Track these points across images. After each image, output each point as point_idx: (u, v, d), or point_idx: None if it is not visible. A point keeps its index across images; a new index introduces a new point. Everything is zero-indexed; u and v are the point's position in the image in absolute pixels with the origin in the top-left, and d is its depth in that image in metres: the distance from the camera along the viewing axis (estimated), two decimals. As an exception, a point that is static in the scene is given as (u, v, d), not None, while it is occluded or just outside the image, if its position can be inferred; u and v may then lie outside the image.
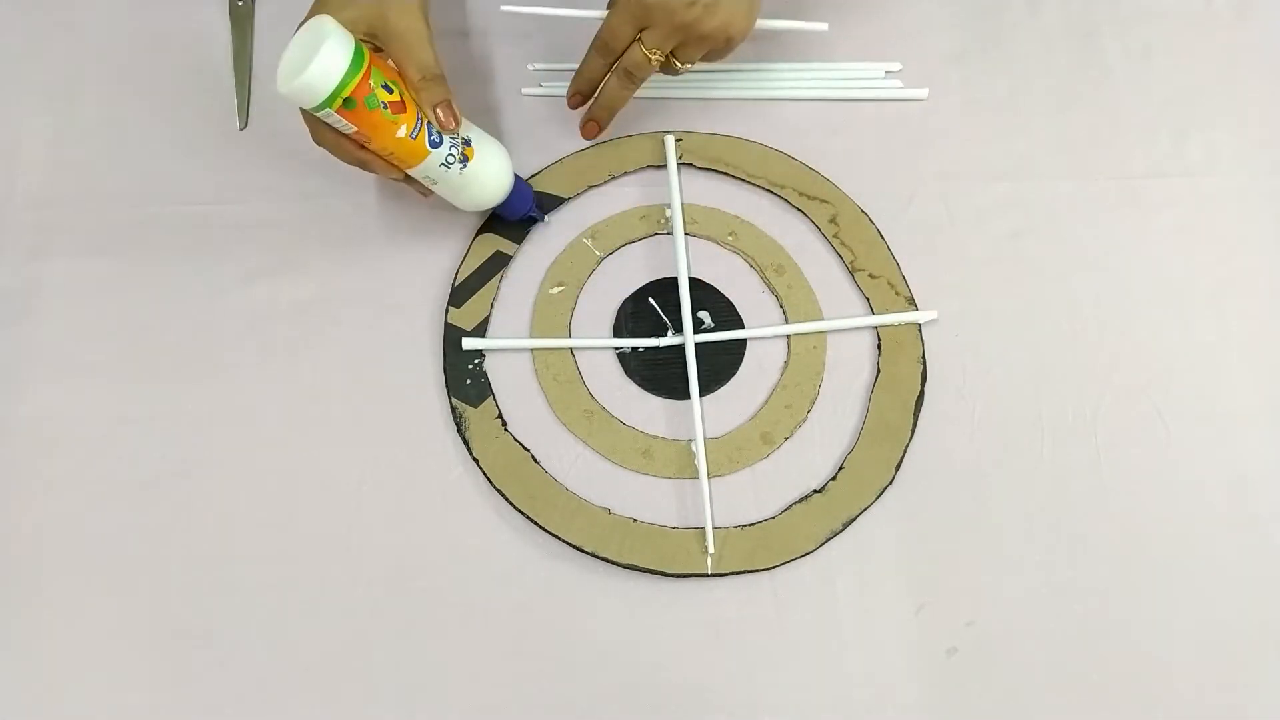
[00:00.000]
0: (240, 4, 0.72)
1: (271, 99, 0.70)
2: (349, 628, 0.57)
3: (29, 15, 0.72)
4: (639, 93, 0.69)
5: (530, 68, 0.72)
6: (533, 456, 0.60)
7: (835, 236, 0.67)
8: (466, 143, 0.59)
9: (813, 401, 0.63)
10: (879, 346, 0.64)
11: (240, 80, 0.70)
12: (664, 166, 0.68)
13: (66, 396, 0.61)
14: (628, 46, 0.62)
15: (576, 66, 0.65)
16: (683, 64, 0.63)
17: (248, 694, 0.55)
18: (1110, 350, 0.64)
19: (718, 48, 0.63)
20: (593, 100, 0.67)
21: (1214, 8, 0.75)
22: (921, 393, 0.63)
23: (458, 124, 0.58)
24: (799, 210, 0.68)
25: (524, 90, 0.71)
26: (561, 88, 0.70)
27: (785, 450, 0.62)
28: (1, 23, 0.72)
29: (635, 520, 0.59)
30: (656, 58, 0.62)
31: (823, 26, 0.67)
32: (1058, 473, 0.61)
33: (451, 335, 0.63)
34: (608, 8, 0.63)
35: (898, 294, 0.65)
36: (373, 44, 0.57)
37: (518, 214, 0.64)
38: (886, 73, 0.72)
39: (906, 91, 0.71)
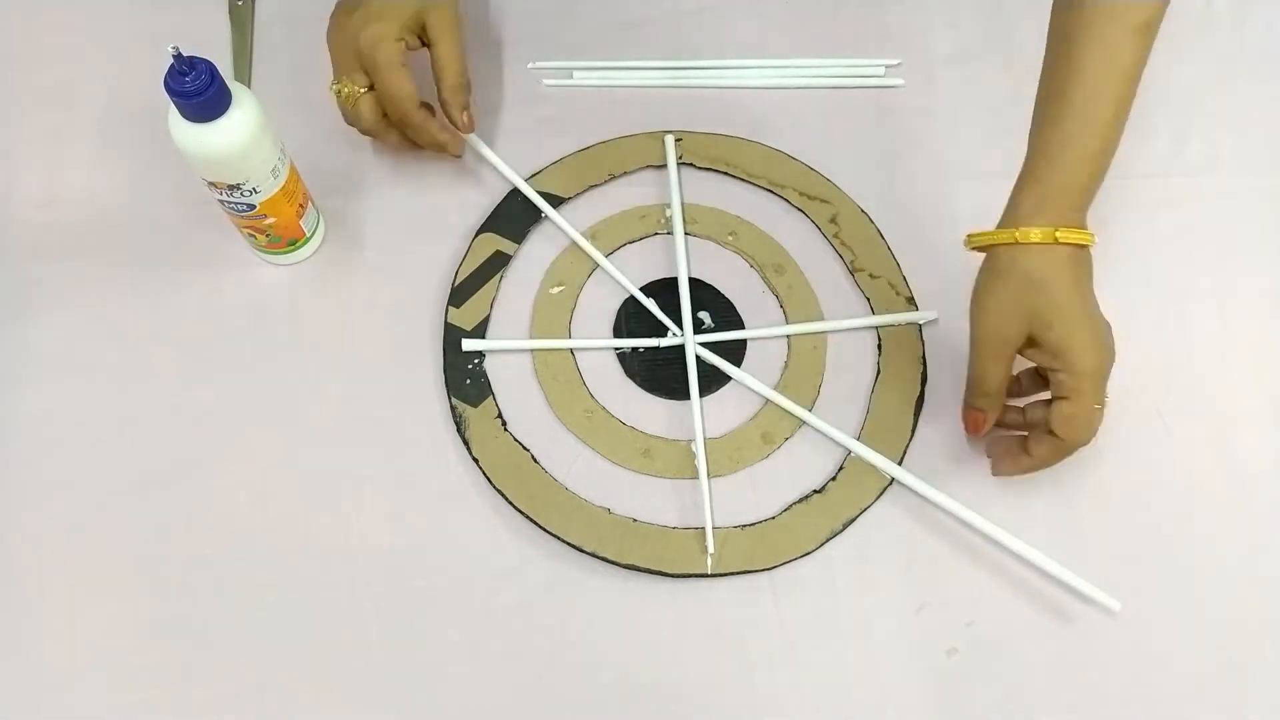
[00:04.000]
0: (240, 4, 0.72)
1: (271, 100, 0.70)
2: (349, 627, 0.57)
3: (29, 15, 0.72)
4: (637, 90, 0.69)
5: (530, 66, 0.72)
6: (533, 456, 0.60)
7: (835, 236, 0.67)
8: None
9: (813, 401, 0.63)
10: (879, 346, 0.64)
11: (240, 80, 0.70)
12: (664, 166, 0.68)
13: (66, 396, 0.61)
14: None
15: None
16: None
17: (247, 694, 0.55)
18: (1110, 350, 0.64)
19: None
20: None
21: (1214, 8, 0.75)
22: (921, 393, 0.63)
23: (474, 127, 0.64)
24: (799, 210, 0.68)
25: (525, 90, 0.71)
26: (561, 87, 0.70)
27: (785, 450, 0.61)
28: (1, 22, 0.73)
29: (635, 520, 0.59)
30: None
31: (1115, 605, 0.57)
32: (1058, 473, 0.60)
33: (451, 335, 0.63)
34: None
35: (898, 294, 0.65)
36: (417, 42, 0.62)
37: None
38: (885, 68, 0.72)
39: (889, 79, 0.72)
